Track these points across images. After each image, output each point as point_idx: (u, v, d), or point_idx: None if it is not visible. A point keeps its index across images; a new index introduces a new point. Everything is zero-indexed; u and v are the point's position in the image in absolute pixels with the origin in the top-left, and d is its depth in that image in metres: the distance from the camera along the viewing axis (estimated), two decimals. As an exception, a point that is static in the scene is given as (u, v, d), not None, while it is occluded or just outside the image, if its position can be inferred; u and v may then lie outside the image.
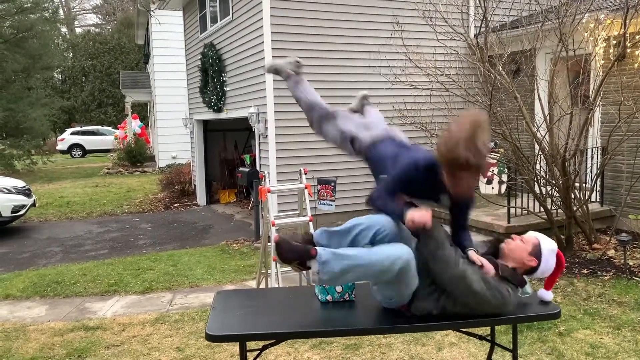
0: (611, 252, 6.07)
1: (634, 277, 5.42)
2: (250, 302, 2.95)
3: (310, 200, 5.23)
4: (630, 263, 5.73)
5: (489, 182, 8.35)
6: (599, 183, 6.92)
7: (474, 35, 7.99)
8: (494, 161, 8.18)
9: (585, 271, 5.67)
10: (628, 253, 5.89)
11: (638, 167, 6.52)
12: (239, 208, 10.86)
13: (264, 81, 7.73)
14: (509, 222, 6.63)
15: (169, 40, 16.16)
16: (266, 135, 7.83)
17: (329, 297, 2.78)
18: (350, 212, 8.26)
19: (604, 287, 5.23)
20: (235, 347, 4.05)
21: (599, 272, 5.61)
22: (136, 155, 19.14)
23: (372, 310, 2.68)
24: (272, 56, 7.65)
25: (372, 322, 2.62)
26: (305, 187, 5.06)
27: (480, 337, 3.08)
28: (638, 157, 6.51)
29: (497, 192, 8.19)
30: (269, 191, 4.96)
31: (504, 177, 8.02)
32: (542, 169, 6.53)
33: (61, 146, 26.94)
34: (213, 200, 11.72)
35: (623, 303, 4.79)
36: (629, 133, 6.22)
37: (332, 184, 7.29)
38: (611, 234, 6.55)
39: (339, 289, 2.78)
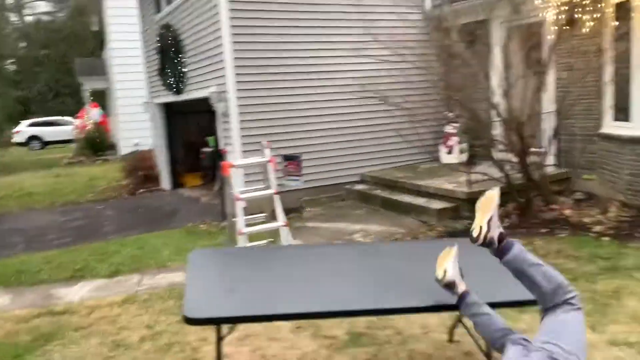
0: (567, 212, 6.31)
1: (588, 233, 5.67)
2: (228, 266, 2.94)
3: (277, 177, 5.26)
4: (586, 220, 5.99)
5: (450, 152, 8.51)
6: (554, 146, 7.15)
7: (431, 7, 8.09)
8: (455, 131, 8.34)
9: (543, 230, 5.91)
10: (583, 211, 6.14)
11: (590, 129, 6.77)
12: (205, 191, 10.77)
13: (224, 59, 7.65)
14: (469, 188, 6.80)
15: (124, 25, 15.73)
16: (229, 115, 7.77)
17: None
18: (317, 188, 8.32)
19: (562, 243, 5.46)
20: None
21: (556, 231, 5.85)
22: (98, 144, 18.74)
23: (364, 286, 2.64)
24: (233, 42, 7.55)
25: (351, 301, 2.54)
26: (269, 161, 5.08)
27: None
28: (589, 120, 6.75)
29: (458, 162, 8.36)
30: (232, 166, 4.97)
31: (465, 147, 8.19)
32: (500, 135, 6.70)
33: (18, 138, 26.05)
34: (179, 185, 11.58)
35: (579, 257, 5.02)
36: (581, 96, 6.44)
37: (298, 159, 7.32)
38: (567, 194, 6.80)
39: None
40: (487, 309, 2.44)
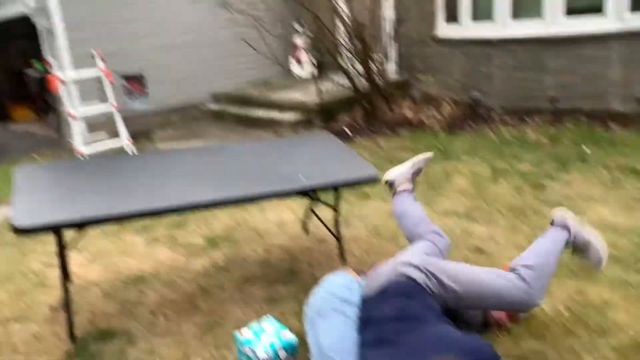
0: (408, 113, 6.78)
1: (426, 129, 6.19)
2: (62, 179, 2.71)
3: (119, 97, 4.86)
4: (423, 119, 6.50)
5: (300, 63, 8.55)
6: (395, 52, 7.49)
7: None
8: (303, 42, 8.35)
9: (387, 131, 6.32)
10: (421, 111, 6.65)
11: (426, 32, 7.16)
12: (41, 124, 9.72)
13: (40, -34, 6.67)
14: (320, 98, 6.95)
15: None
16: (54, 32, 6.89)
17: None
18: (168, 109, 7.89)
19: (403, 140, 5.91)
20: (47, 246, 3.77)
21: (399, 130, 6.30)
22: None
23: (199, 182, 2.62)
24: None
25: (199, 194, 2.53)
26: (104, 73, 4.66)
27: (302, 194, 2.99)
28: (425, 24, 7.13)
29: (308, 73, 8.45)
30: (60, 81, 4.48)
31: (314, 57, 8.26)
32: (344, 42, 6.84)
33: None
34: (7, 119, 10.28)
35: (417, 149, 5.44)
36: (416, 2, 6.75)
37: (141, 77, 6.83)
38: (408, 97, 7.27)
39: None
40: (414, 206, 2.54)
